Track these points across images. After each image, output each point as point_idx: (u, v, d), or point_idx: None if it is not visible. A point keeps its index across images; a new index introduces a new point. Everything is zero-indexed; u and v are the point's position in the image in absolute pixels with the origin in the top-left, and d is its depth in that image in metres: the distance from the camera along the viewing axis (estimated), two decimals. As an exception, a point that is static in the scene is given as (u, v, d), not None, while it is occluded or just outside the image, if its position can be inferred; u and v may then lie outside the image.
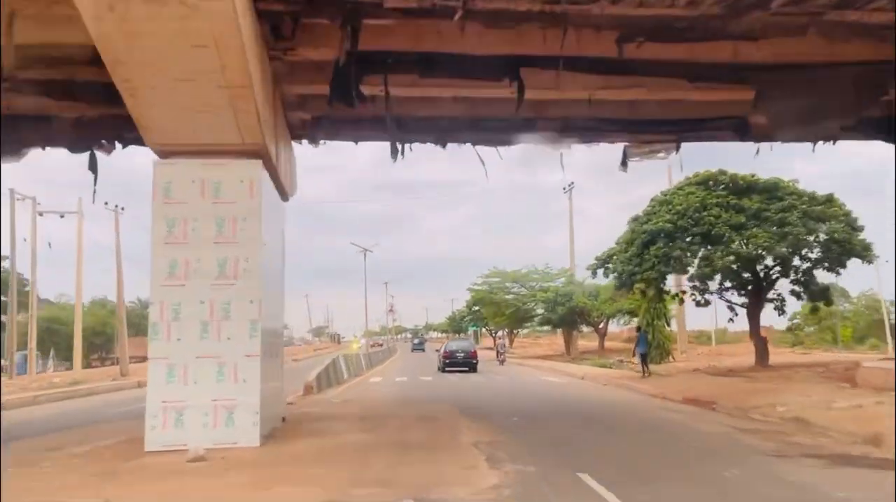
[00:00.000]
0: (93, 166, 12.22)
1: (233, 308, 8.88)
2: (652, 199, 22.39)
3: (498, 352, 38.70)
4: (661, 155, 14.91)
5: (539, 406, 14.76)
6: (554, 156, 14.13)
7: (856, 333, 47.57)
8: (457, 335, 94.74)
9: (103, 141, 12.65)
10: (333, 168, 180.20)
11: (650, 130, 13.82)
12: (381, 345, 68.30)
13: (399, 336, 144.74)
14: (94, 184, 12.20)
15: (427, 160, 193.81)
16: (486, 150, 13.88)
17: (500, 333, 67.76)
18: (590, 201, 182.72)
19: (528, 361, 40.93)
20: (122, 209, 32.25)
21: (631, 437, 9.85)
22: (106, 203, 30.78)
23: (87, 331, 75.88)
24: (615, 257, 22.58)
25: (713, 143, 14.89)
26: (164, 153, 9.10)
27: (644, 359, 22.10)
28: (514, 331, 67.31)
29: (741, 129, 13.63)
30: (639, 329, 25.75)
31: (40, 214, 32.09)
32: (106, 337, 76.39)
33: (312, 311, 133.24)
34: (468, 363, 29.61)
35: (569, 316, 37.46)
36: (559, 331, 51.47)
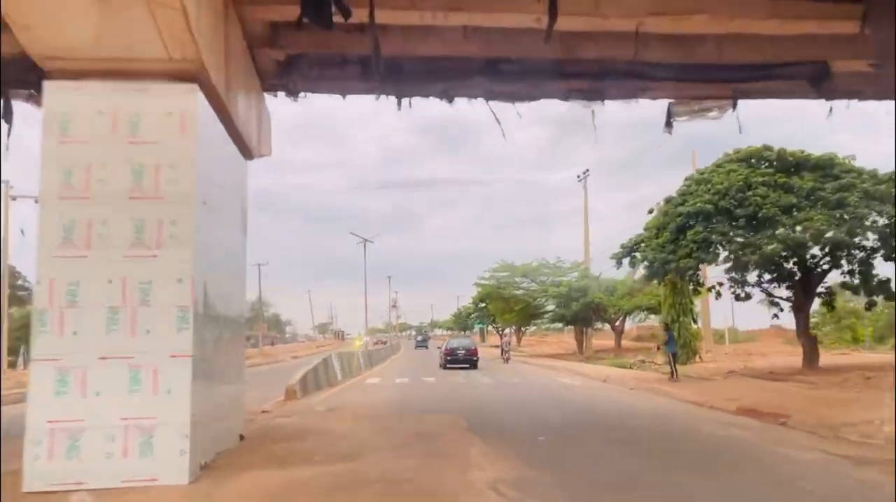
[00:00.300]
0: (7, 114, 9.74)
1: (154, 289, 6.34)
2: (686, 178, 19.77)
3: (503, 349, 37.22)
4: (712, 114, 12.32)
5: (566, 417, 12.17)
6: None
7: (874, 333, 44.87)
8: (462, 332, 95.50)
9: (32, 91, 10.14)
10: (338, 165, 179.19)
11: (704, 78, 11.19)
12: (385, 343, 65.96)
13: (404, 333, 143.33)
14: (7, 136, 9.70)
15: (430, 160, 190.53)
16: (502, 108, 11.39)
17: (507, 331, 65.39)
18: (595, 199, 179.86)
19: (538, 360, 38.35)
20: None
21: (705, 468, 7.24)
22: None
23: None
24: (644, 244, 19.94)
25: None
26: (61, 72, 6.54)
27: (674, 360, 19.55)
28: (523, 329, 64.68)
29: (819, 79, 11.00)
30: (667, 327, 23.13)
31: (13, 198, 29.68)
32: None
33: (317, 308, 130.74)
34: (469, 360, 30.24)
35: (583, 312, 34.77)
36: (568, 328, 48.93)
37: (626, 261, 21.10)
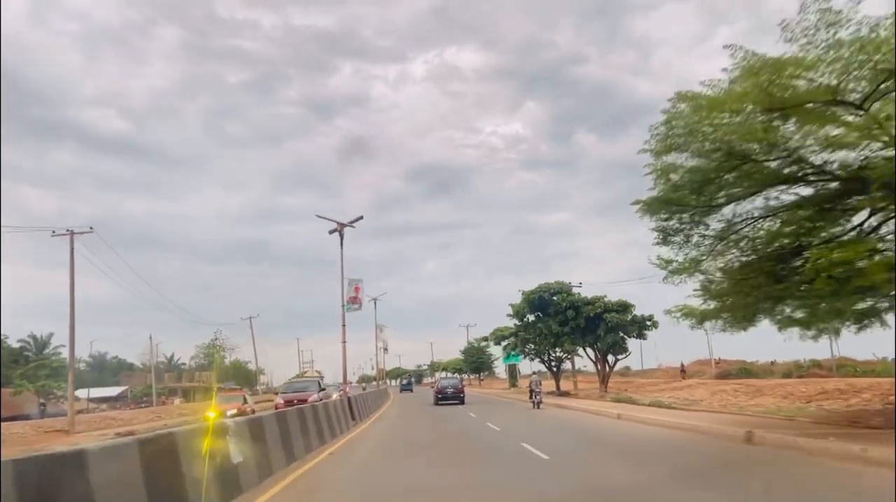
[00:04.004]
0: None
1: None
2: None
3: (532, 392, 29.07)
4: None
5: None
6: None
7: None
8: (478, 374, 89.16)
9: None
10: (330, 212, 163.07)
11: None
12: (322, 397, 25.88)
13: (397, 380, 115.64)
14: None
15: (423, 204, 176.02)
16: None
17: (537, 371, 39.41)
18: (590, 241, 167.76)
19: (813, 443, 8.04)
20: None
21: None
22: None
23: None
24: None
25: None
26: None
27: None
28: (615, 360, 34.00)
29: None
30: None
31: None
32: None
33: (296, 357, 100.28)
34: (456, 396, 36.00)
35: None
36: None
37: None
